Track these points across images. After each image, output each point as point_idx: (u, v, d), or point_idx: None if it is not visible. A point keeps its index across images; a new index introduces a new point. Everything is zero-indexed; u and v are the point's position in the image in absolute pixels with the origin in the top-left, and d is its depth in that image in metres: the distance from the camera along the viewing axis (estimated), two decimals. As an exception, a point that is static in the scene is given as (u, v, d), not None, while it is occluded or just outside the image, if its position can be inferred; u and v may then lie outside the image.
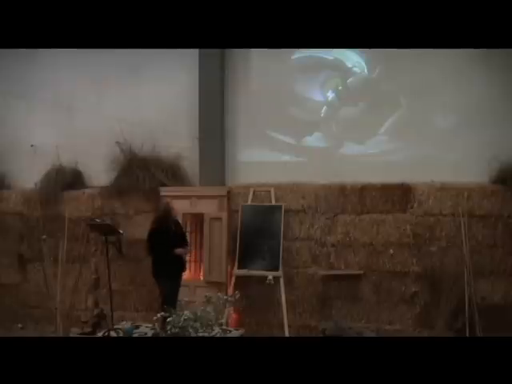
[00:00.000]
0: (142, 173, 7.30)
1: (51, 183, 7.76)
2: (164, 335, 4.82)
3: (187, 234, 6.76)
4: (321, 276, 6.67)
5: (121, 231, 6.65)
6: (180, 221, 6.68)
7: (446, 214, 6.36)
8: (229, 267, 6.90)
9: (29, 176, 7.82)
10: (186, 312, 4.70)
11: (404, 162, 6.67)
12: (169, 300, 6.01)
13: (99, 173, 7.55)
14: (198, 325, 4.56)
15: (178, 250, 6.05)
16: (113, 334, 6.27)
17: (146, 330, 6.43)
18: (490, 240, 6.26)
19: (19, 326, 7.60)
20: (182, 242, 6.28)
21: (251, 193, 6.99)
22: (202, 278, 7.13)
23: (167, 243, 6.03)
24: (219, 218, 6.99)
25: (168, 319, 4.64)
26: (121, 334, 6.23)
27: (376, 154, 6.88)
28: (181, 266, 6.23)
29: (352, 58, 7.01)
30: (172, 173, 7.41)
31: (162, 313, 4.88)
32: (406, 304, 6.47)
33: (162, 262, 6.11)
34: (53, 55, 7.82)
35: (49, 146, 7.77)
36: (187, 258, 6.57)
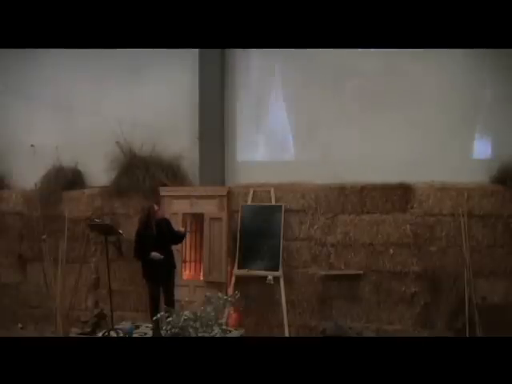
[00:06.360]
0: (142, 173, 7.30)
1: (51, 183, 7.76)
2: (157, 336, 4.83)
3: (187, 234, 6.75)
4: (321, 276, 6.67)
5: (121, 231, 6.67)
6: (175, 222, 6.73)
7: (446, 214, 6.35)
8: (229, 267, 6.90)
9: (29, 176, 7.81)
10: (185, 312, 4.70)
11: (404, 162, 6.66)
12: (153, 301, 6.13)
13: (99, 173, 7.55)
14: (197, 325, 4.56)
15: (153, 254, 6.02)
16: (113, 333, 6.28)
17: (145, 330, 6.46)
18: (490, 240, 6.25)
19: (19, 326, 7.61)
20: (166, 244, 6.23)
21: (251, 193, 6.99)
22: (202, 278, 7.13)
23: (148, 246, 6.05)
24: (219, 218, 6.99)
25: (168, 319, 4.64)
26: (121, 334, 6.25)
27: (376, 153, 6.87)
28: (165, 268, 6.15)
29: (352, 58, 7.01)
30: (172, 173, 7.40)
31: (158, 315, 4.89)
32: (406, 304, 6.46)
33: (145, 265, 6.17)
34: (53, 55, 7.83)
35: (49, 146, 7.78)
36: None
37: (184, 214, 7.17)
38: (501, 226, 6.23)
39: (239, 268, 6.73)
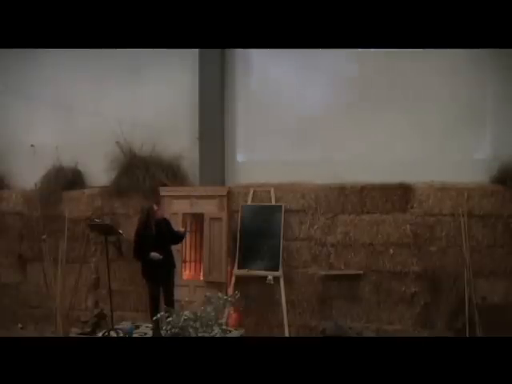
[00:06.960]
0: (142, 173, 7.30)
1: (51, 183, 7.76)
2: (157, 336, 4.83)
3: (187, 234, 6.75)
4: (321, 276, 6.67)
5: (121, 231, 6.67)
6: (175, 222, 6.74)
7: (446, 214, 6.35)
8: (229, 267, 6.90)
9: (29, 176, 7.81)
10: (185, 312, 4.70)
11: (404, 162, 6.66)
12: (153, 301, 6.13)
13: (99, 173, 7.55)
14: (197, 325, 4.55)
15: (152, 254, 6.02)
16: (113, 333, 6.28)
17: (145, 330, 6.46)
18: (490, 240, 6.25)
19: (19, 326, 7.61)
20: (165, 244, 6.23)
21: (251, 193, 6.99)
22: (202, 278, 7.13)
23: (148, 246, 6.05)
24: (219, 218, 6.99)
25: (168, 319, 4.64)
26: (121, 334, 6.25)
27: (376, 153, 6.87)
28: (165, 268, 6.16)
29: (352, 58, 7.01)
30: (172, 173, 7.40)
31: (158, 315, 4.89)
32: (406, 304, 6.46)
33: (144, 265, 6.18)
34: (53, 55, 7.84)
35: (49, 146, 7.78)
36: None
37: (184, 214, 7.17)
38: (501, 226, 6.23)
39: (239, 268, 6.73)
